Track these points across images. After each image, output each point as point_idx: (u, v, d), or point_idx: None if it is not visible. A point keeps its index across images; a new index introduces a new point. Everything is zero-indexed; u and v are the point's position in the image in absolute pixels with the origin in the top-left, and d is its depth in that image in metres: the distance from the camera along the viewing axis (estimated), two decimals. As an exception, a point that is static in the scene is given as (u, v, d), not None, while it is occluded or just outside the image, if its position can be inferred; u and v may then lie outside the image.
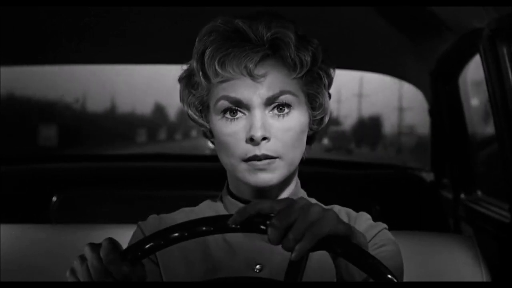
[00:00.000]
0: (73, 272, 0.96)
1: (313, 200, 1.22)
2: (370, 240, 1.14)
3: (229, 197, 1.19)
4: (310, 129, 1.16)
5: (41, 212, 2.30)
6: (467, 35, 1.73)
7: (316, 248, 0.89)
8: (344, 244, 0.89)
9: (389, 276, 0.88)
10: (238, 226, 0.92)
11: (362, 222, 1.17)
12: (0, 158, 2.72)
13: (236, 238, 1.16)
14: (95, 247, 0.94)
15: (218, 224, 0.93)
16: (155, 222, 1.20)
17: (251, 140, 1.08)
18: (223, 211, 1.20)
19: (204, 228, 0.93)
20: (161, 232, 0.95)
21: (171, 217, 1.22)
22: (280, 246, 1.11)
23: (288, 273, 0.92)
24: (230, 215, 0.92)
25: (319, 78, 1.15)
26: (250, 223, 0.91)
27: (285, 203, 0.91)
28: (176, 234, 0.93)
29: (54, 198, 2.31)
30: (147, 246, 0.94)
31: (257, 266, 1.14)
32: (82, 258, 0.95)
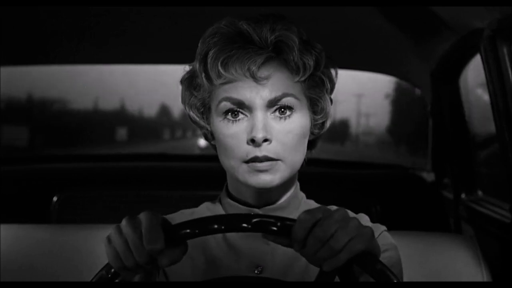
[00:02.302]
0: (110, 242, 0.93)
1: (311, 202, 1.23)
2: None
3: (228, 199, 1.19)
4: (312, 133, 1.17)
5: (41, 212, 2.30)
6: (467, 35, 1.73)
7: (348, 263, 0.91)
8: (374, 263, 0.92)
9: None
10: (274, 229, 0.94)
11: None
12: (0, 158, 2.72)
13: (237, 240, 1.16)
14: (134, 221, 0.92)
15: (257, 223, 0.94)
16: None
17: (252, 142, 1.08)
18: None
19: (244, 225, 0.94)
20: (213, 217, 0.95)
21: (171, 219, 1.21)
22: (280, 249, 1.11)
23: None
24: (285, 218, 0.94)
25: (322, 82, 1.15)
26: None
27: (327, 212, 0.93)
28: (242, 224, 0.94)
29: (55, 198, 2.31)
30: (196, 228, 0.93)
31: (258, 268, 1.14)
32: (120, 231, 0.92)
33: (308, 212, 0.92)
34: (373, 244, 0.94)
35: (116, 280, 0.96)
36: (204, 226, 0.94)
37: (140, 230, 0.91)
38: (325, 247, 0.90)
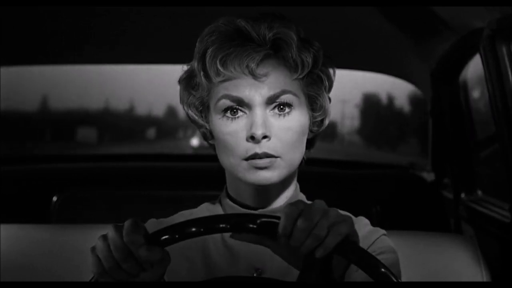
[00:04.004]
0: (94, 249, 0.95)
1: None
2: (369, 246, 1.14)
3: (228, 200, 1.19)
4: (311, 131, 1.17)
5: (41, 212, 2.29)
6: (467, 35, 1.73)
7: (333, 252, 0.93)
8: (358, 252, 0.93)
9: None
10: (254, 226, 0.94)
11: (361, 227, 1.16)
12: (0, 158, 2.72)
13: (236, 242, 1.15)
14: (119, 227, 0.95)
15: (238, 222, 0.95)
16: (154, 226, 1.20)
17: (251, 139, 1.08)
18: None
19: (225, 226, 0.95)
20: (187, 222, 0.95)
21: (170, 221, 1.21)
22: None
23: (303, 274, 0.95)
24: (264, 215, 0.96)
25: (320, 80, 1.15)
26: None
27: (306, 204, 0.94)
28: (216, 226, 0.95)
29: (54, 198, 2.31)
30: (172, 234, 0.94)
31: (257, 271, 1.14)
32: (104, 237, 0.95)
33: (291, 205, 0.94)
34: (355, 232, 0.96)
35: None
36: (182, 230, 0.94)
37: (122, 231, 0.93)
38: (311, 236, 0.92)
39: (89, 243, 1.64)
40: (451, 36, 1.84)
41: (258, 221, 0.94)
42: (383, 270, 0.91)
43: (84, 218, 2.28)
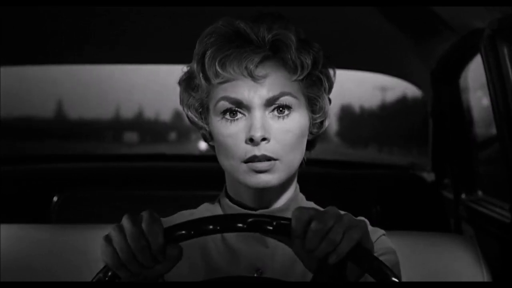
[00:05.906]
0: (108, 240, 0.94)
1: (311, 204, 1.22)
2: None
3: (227, 200, 1.19)
4: (310, 132, 1.16)
5: (41, 212, 2.30)
6: (467, 35, 1.73)
7: (346, 258, 0.93)
8: (371, 260, 0.93)
9: None
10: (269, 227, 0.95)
11: None
12: (0, 158, 2.72)
13: (236, 243, 1.16)
14: (134, 218, 0.94)
15: (255, 223, 0.95)
16: None
17: (250, 141, 1.08)
18: None
19: (242, 225, 0.95)
20: (205, 219, 0.95)
21: (170, 221, 1.21)
22: (280, 251, 1.11)
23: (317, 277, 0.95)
24: (281, 217, 0.96)
25: (320, 81, 1.15)
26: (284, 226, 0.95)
27: (319, 210, 0.95)
28: (233, 225, 0.95)
29: (55, 198, 2.31)
30: (188, 230, 0.94)
31: (258, 271, 1.14)
32: (120, 227, 0.94)
33: (300, 208, 0.94)
34: (368, 238, 0.95)
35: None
36: (199, 227, 0.94)
37: (140, 225, 0.92)
38: (325, 240, 0.91)
39: (89, 243, 1.64)
40: (451, 36, 1.84)
41: (275, 223, 0.94)
42: (393, 279, 0.92)
43: (84, 218, 2.28)
